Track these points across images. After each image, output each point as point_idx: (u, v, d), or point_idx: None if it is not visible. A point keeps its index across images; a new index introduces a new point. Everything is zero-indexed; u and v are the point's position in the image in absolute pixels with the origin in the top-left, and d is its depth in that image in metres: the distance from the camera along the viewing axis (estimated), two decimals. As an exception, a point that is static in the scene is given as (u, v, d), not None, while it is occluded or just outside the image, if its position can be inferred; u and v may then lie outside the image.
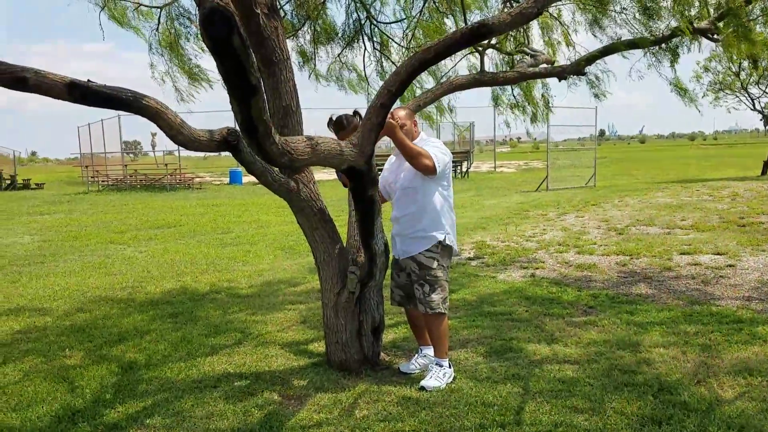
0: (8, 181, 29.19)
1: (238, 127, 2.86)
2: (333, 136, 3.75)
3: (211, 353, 4.67)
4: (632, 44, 5.74)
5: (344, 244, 4.30)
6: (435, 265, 3.92)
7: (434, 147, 3.90)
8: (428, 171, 3.82)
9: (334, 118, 3.90)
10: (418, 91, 6.22)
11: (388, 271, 4.25)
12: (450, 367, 3.95)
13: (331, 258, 4.13)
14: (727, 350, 4.27)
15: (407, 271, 4.04)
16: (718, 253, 7.62)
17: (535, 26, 6.72)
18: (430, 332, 4.03)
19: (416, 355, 4.22)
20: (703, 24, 5.44)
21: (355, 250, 4.27)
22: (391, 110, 3.97)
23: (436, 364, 3.92)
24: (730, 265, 6.95)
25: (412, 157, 3.78)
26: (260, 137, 2.71)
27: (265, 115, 2.67)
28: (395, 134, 3.72)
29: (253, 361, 4.46)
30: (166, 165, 29.41)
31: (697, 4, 5.50)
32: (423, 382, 3.81)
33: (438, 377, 3.84)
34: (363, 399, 3.71)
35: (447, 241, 3.94)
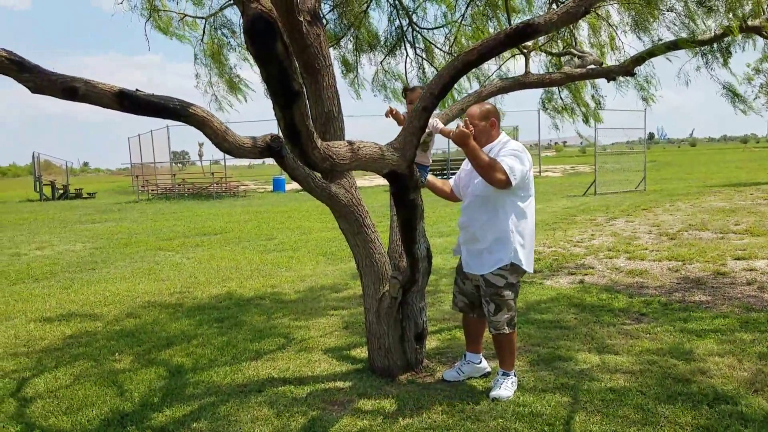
0: (61, 191, 30.20)
1: (280, 134, 2.87)
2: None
3: (255, 358, 4.70)
4: (682, 43, 5.57)
5: (386, 250, 4.27)
6: (502, 284, 3.71)
7: (511, 155, 3.60)
8: (501, 185, 3.56)
9: (409, 86, 3.98)
10: (462, 95, 6.16)
11: (432, 277, 4.19)
12: (515, 376, 3.88)
13: (373, 263, 4.11)
14: (787, 359, 4.08)
15: (474, 282, 3.88)
16: (776, 259, 7.33)
17: (583, 28, 6.59)
18: (497, 348, 3.89)
19: (460, 362, 4.13)
20: (757, 22, 5.23)
21: (398, 256, 4.25)
22: (468, 110, 3.91)
23: (503, 374, 3.83)
24: (789, 271, 6.68)
25: (483, 171, 3.54)
26: (303, 142, 2.71)
27: (308, 121, 2.67)
28: (467, 144, 3.49)
29: (297, 366, 4.46)
30: (212, 174, 30.02)
31: (750, 1, 5.30)
32: (494, 393, 3.71)
33: (507, 387, 3.76)
34: (407, 406, 3.66)
35: (517, 261, 3.69)
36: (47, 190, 30.01)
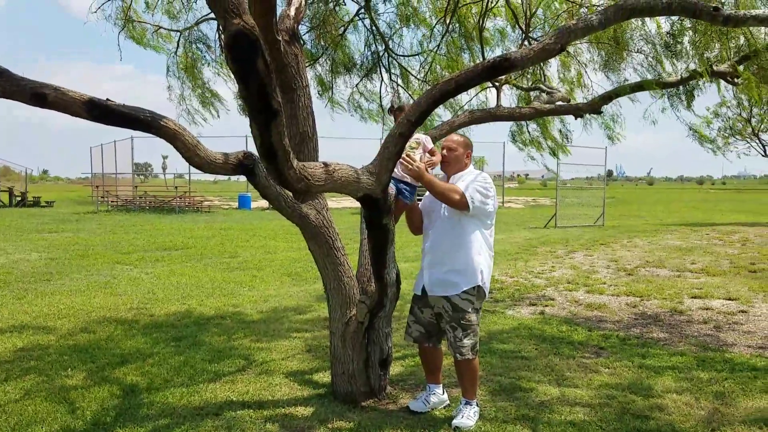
0: (19, 198, 29.36)
1: (255, 151, 2.84)
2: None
3: (213, 380, 4.59)
4: (650, 84, 5.74)
5: (355, 273, 4.25)
6: (470, 308, 3.75)
7: (476, 182, 3.74)
8: (460, 206, 3.67)
9: (395, 105, 3.94)
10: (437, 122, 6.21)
11: (399, 302, 4.17)
12: (477, 405, 3.88)
13: (341, 286, 4.07)
14: (741, 399, 4.17)
15: (436, 310, 3.85)
16: (730, 299, 7.51)
17: (552, 64, 6.75)
18: (459, 375, 3.89)
19: (424, 393, 4.09)
20: (723, 67, 5.44)
21: (366, 279, 4.22)
22: (449, 136, 3.99)
23: (466, 403, 3.83)
24: (743, 311, 6.85)
25: (441, 195, 3.68)
26: (279, 162, 2.69)
27: (285, 140, 2.65)
28: (423, 177, 3.66)
29: (257, 390, 4.37)
30: (176, 188, 29.55)
31: (717, 46, 5.51)
32: (457, 422, 3.70)
33: (470, 416, 3.75)
34: (368, 433, 3.61)
35: (482, 284, 3.77)
36: (5, 197, 29.14)
